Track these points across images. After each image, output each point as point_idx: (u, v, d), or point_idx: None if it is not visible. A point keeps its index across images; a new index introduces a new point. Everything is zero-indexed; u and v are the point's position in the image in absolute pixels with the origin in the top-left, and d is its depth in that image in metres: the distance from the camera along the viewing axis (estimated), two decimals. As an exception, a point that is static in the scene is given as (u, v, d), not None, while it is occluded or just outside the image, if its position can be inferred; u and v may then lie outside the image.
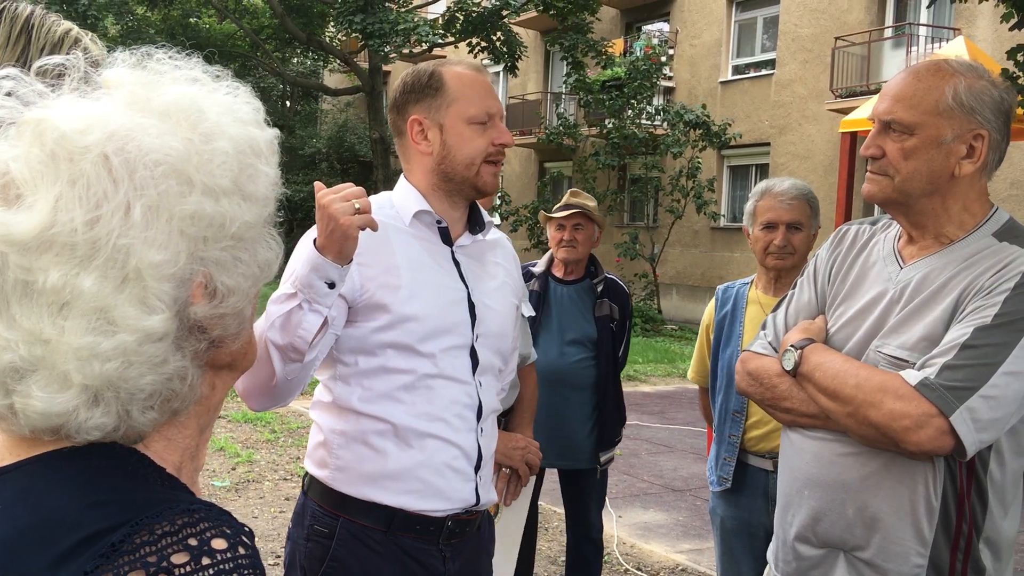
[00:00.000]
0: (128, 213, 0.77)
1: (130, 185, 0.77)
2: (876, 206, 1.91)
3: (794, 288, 2.03)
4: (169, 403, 0.82)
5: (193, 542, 0.73)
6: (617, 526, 5.57)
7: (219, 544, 0.74)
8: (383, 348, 1.85)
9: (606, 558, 5.00)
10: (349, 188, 1.68)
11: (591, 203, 3.55)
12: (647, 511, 6.02)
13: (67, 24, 1.63)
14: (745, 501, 2.93)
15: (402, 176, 2.04)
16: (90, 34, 1.64)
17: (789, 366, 1.81)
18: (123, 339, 0.76)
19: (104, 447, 0.80)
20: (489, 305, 1.99)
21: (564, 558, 3.93)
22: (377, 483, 1.84)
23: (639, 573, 4.87)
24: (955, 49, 8.34)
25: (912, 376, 1.61)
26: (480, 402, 1.94)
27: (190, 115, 0.83)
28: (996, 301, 1.62)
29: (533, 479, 2.73)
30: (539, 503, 3.16)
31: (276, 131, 0.92)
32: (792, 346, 1.82)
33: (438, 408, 1.87)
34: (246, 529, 0.78)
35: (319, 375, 1.92)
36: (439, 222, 1.96)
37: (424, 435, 1.85)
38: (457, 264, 1.97)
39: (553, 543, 5.14)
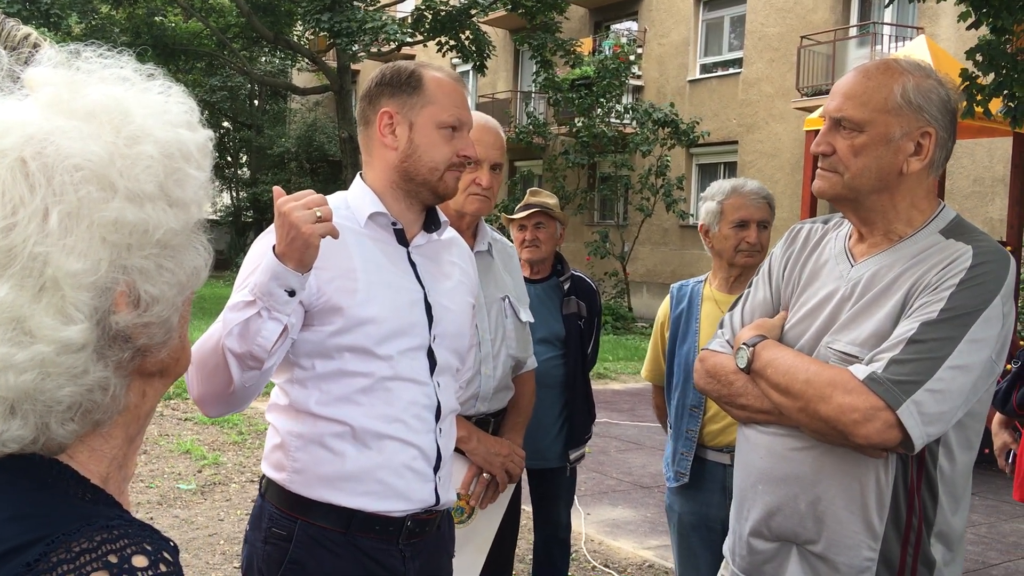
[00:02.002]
0: (45, 220, 0.75)
1: (48, 191, 0.75)
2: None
3: (750, 287, 2.06)
4: (90, 415, 0.80)
5: (113, 559, 0.71)
6: (585, 523, 5.59)
7: (140, 561, 0.72)
8: (340, 351, 1.84)
9: (573, 556, 5.01)
10: (310, 195, 1.66)
11: (551, 201, 3.53)
12: (615, 508, 6.04)
13: (27, 29, 1.62)
14: (703, 496, 2.95)
15: (358, 176, 2.03)
16: (49, 38, 1.62)
17: (743, 363, 1.83)
18: (40, 350, 0.74)
19: (23, 459, 0.78)
20: (446, 305, 1.98)
21: (532, 556, 3.93)
22: (335, 485, 1.83)
23: (606, 570, 4.89)
24: (917, 48, 8.45)
25: (860, 371, 1.64)
26: (438, 402, 1.93)
27: (114, 117, 0.81)
28: (942, 296, 1.64)
29: (512, 486, 2.73)
30: (521, 505, 3.14)
31: (210, 133, 0.89)
32: (745, 343, 1.84)
33: (396, 410, 1.86)
34: (170, 545, 0.76)
35: (275, 378, 1.91)
36: (394, 224, 1.96)
37: (382, 436, 1.85)
38: (413, 265, 1.97)
39: (521, 540, 5.13)
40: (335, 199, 1.96)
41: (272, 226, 1.86)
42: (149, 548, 0.74)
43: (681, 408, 3.01)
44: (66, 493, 0.78)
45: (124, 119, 0.81)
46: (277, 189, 1.70)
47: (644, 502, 6.20)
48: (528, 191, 3.64)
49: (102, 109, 0.80)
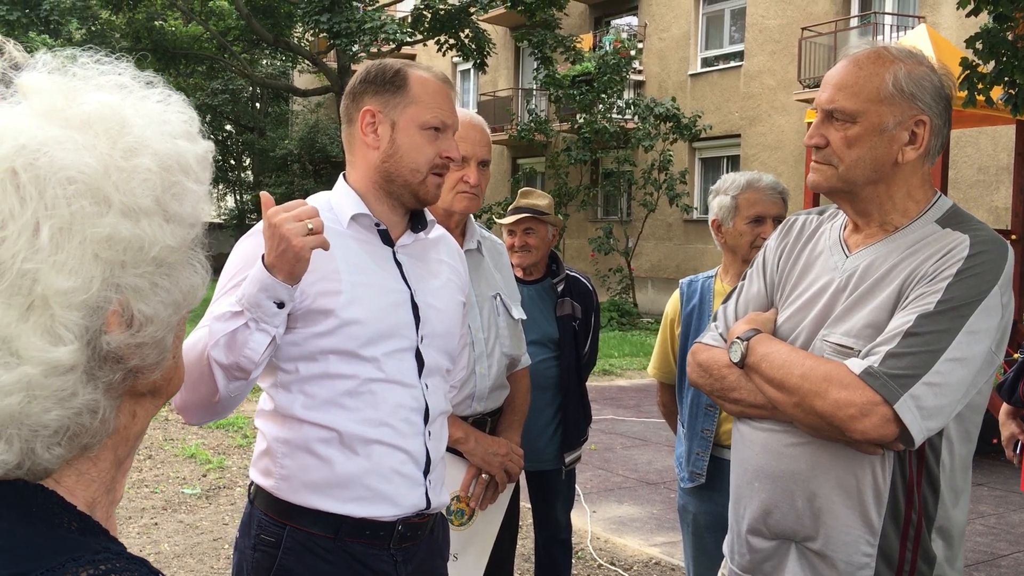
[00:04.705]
0: (36, 235, 0.71)
1: (39, 204, 0.71)
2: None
3: (743, 279, 2.02)
4: (78, 438, 0.76)
5: None
6: (591, 521, 5.57)
7: None
8: (325, 354, 1.81)
9: (580, 553, 4.99)
10: (302, 207, 1.64)
11: (543, 201, 3.47)
12: (621, 505, 6.01)
13: None
14: (719, 496, 2.87)
15: (341, 176, 2.00)
16: (12, 42, 1.60)
17: (736, 357, 1.80)
18: (26, 372, 0.71)
19: (6, 485, 0.74)
20: (433, 305, 1.95)
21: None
22: (323, 491, 1.80)
23: (612, 568, 4.86)
24: (918, 37, 8.39)
25: (856, 365, 1.60)
26: (427, 405, 1.90)
27: (111, 127, 0.77)
28: (939, 288, 1.61)
29: (512, 485, 2.71)
30: (520, 504, 3.12)
31: (209, 144, 0.85)
32: (739, 337, 1.81)
33: (383, 413, 1.83)
34: None
35: (260, 383, 1.88)
36: (377, 224, 1.93)
37: (370, 441, 1.81)
38: (399, 265, 1.93)
39: (527, 540, 5.12)
40: (318, 200, 1.93)
41: (254, 228, 1.83)
42: None
43: (695, 407, 2.94)
44: (51, 523, 0.74)
45: (121, 130, 0.77)
46: (265, 196, 1.66)
47: (650, 499, 6.17)
48: (519, 192, 3.59)
49: (98, 118, 0.77)
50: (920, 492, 1.69)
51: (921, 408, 1.56)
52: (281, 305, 1.63)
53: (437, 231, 2.09)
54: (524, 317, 2.80)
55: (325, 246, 1.63)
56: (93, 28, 22.21)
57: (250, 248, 1.80)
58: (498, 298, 2.68)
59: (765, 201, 2.90)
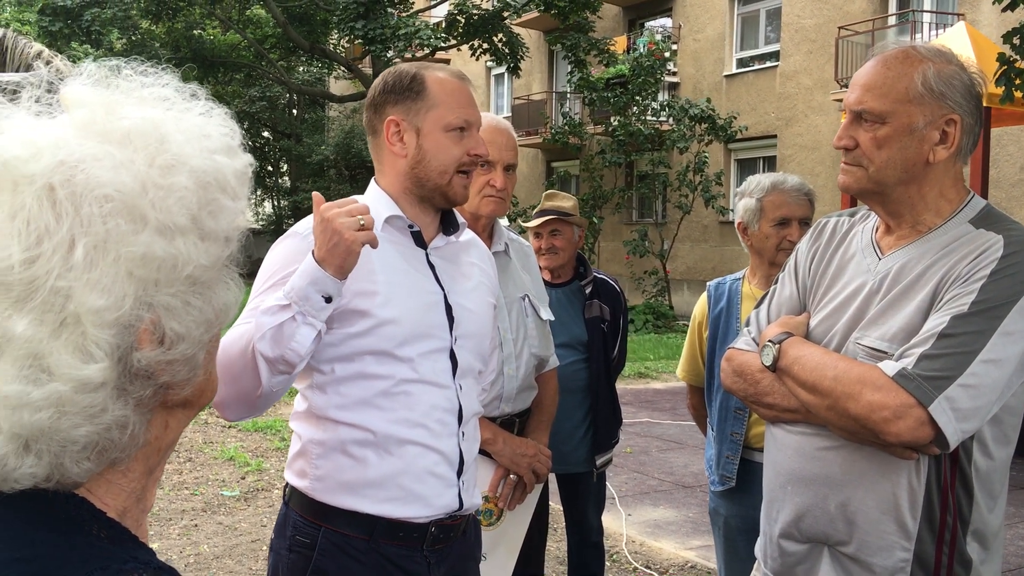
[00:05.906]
0: (71, 252, 0.70)
1: (75, 220, 0.71)
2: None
3: (776, 283, 2.02)
4: (107, 453, 0.76)
5: None
6: (626, 524, 5.55)
7: None
8: (360, 355, 1.83)
9: (615, 557, 4.98)
10: (354, 203, 1.68)
11: (568, 203, 3.48)
12: (657, 508, 5.99)
13: (39, 46, 1.64)
14: (750, 499, 2.86)
15: (372, 181, 2.03)
16: (60, 56, 1.64)
17: (768, 361, 1.79)
18: (56, 388, 0.71)
19: (36, 494, 0.75)
20: (466, 306, 1.97)
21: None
22: (357, 492, 1.83)
23: (648, 571, 4.84)
24: (956, 35, 8.27)
25: (890, 367, 1.59)
26: (460, 406, 1.92)
27: (150, 143, 0.76)
28: (973, 289, 1.60)
29: (540, 486, 2.72)
30: (549, 504, 3.13)
31: (249, 158, 0.85)
32: (770, 341, 1.80)
33: (418, 414, 1.85)
34: None
35: (296, 384, 1.91)
36: (411, 226, 1.95)
37: (404, 442, 1.84)
38: (432, 267, 1.96)
39: (563, 543, 5.12)
40: None
41: (291, 230, 1.87)
42: None
43: (724, 411, 2.94)
44: (80, 531, 0.74)
45: (160, 146, 0.77)
46: (317, 195, 1.70)
47: (686, 502, 6.14)
48: (544, 195, 3.60)
49: (138, 134, 0.76)
50: (954, 495, 1.67)
51: (956, 410, 1.55)
52: (329, 299, 1.67)
53: (467, 234, 2.11)
54: (552, 318, 2.81)
55: (374, 242, 1.67)
56: (134, 38, 22.59)
57: (288, 249, 1.84)
58: (526, 299, 2.69)
59: (790, 203, 2.88)
